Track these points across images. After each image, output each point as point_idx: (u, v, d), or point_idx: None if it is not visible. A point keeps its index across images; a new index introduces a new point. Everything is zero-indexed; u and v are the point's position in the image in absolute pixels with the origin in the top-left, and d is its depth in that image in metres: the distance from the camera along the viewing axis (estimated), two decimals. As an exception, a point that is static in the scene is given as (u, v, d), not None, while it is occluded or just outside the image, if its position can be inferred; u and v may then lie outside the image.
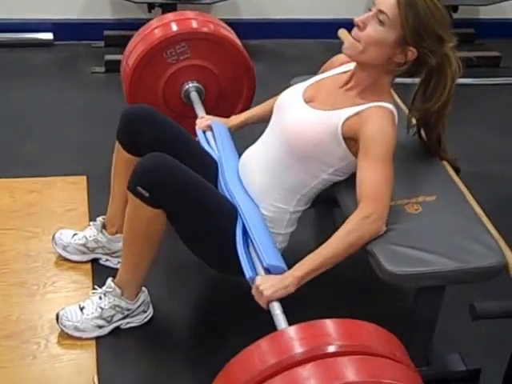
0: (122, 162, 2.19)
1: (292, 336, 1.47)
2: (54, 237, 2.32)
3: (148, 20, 3.60)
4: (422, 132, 2.06)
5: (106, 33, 3.75)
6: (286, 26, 4.02)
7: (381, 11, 1.79)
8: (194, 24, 2.69)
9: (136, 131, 2.11)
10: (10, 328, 2.08)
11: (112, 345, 2.04)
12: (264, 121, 2.28)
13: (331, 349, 1.40)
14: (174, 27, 2.66)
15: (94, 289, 2.13)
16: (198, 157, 2.15)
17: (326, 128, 1.86)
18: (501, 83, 3.78)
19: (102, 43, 3.75)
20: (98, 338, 2.04)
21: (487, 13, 4.20)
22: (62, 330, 2.04)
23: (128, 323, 2.08)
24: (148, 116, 2.14)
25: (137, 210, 1.90)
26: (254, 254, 1.84)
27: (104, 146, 2.91)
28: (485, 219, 1.90)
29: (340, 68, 2.04)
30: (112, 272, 2.20)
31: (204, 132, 2.30)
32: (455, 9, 3.91)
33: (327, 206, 2.29)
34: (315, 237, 2.49)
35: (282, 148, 1.94)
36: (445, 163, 2.09)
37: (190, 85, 2.66)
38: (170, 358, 2.03)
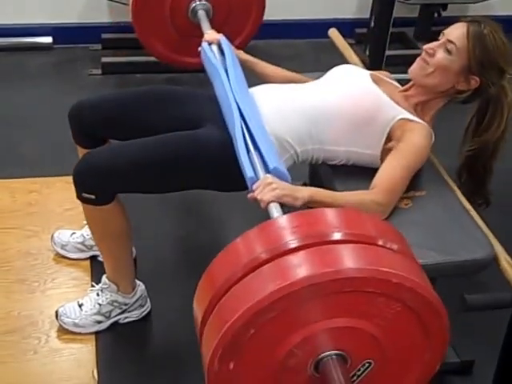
0: None
1: (284, 225, 1.39)
2: (52, 236, 2.37)
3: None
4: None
5: (104, 36, 3.80)
6: (277, 27, 4.06)
7: (450, 41, 1.90)
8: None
9: (79, 124, 2.12)
10: (11, 324, 2.12)
11: (111, 339, 2.09)
12: (265, 79, 2.24)
13: (326, 236, 1.34)
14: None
15: (92, 286, 2.18)
16: (152, 106, 2.10)
17: (385, 113, 1.93)
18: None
19: (99, 46, 3.80)
20: (97, 333, 2.09)
21: (476, 10, 4.26)
22: (62, 327, 2.08)
23: (126, 318, 2.12)
24: (84, 105, 2.13)
25: (91, 213, 1.96)
26: (255, 159, 1.76)
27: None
28: (473, 213, 1.95)
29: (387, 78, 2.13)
30: (110, 268, 2.27)
31: (210, 45, 2.25)
32: (445, 7, 3.96)
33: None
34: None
35: (337, 106, 1.94)
36: (434, 159, 2.14)
37: (198, 2, 2.66)
38: (168, 351, 2.08)
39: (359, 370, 1.42)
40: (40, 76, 3.56)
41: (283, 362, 1.35)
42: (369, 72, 2.10)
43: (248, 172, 1.73)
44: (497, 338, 2.07)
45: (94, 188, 1.89)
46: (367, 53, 3.12)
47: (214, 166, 1.91)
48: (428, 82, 1.96)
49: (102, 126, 2.08)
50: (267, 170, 1.73)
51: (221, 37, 2.28)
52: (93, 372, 1.97)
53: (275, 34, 3.98)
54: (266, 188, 1.65)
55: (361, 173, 1.99)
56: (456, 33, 1.92)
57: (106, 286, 2.07)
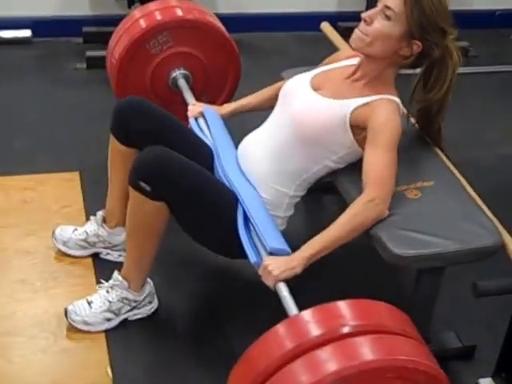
0: (117, 154, 2.22)
1: (308, 319, 1.52)
2: (53, 233, 2.34)
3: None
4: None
5: (85, 29, 3.75)
6: (261, 20, 4.07)
7: (387, 7, 1.87)
8: (174, 12, 2.69)
9: (128, 122, 2.14)
10: (16, 324, 2.09)
11: (121, 336, 2.08)
12: (257, 110, 2.36)
13: (347, 329, 1.47)
14: (154, 17, 2.65)
15: (99, 283, 2.16)
16: (191, 144, 2.19)
17: (335, 116, 1.92)
18: (470, 72, 3.88)
19: (80, 39, 3.75)
20: (106, 331, 2.07)
21: (455, 4, 4.30)
22: (71, 325, 2.06)
23: (135, 315, 2.11)
24: (139, 107, 2.17)
25: (139, 204, 1.94)
26: (256, 239, 1.89)
27: (93, 141, 2.95)
28: (480, 202, 1.98)
29: (345, 61, 2.10)
30: (113, 265, 2.24)
31: (196, 119, 2.33)
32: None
33: (316, 194, 2.35)
34: (305, 224, 2.57)
35: (290, 133, 1.98)
36: (438, 150, 2.16)
37: (177, 72, 2.68)
38: (179, 345, 2.08)
39: None
40: (22, 71, 3.51)
41: None
42: (310, 78, 2.07)
43: (251, 258, 1.85)
44: (497, 323, 2.13)
45: (155, 181, 1.88)
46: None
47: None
48: (369, 51, 1.92)
49: (147, 137, 2.08)
50: (265, 249, 1.84)
51: (204, 109, 2.34)
52: (106, 370, 1.96)
53: (258, 26, 3.99)
54: (265, 273, 1.78)
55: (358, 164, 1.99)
56: None
57: (117, 283, 2.05)
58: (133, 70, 2.66)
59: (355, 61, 2.05)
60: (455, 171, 2.09)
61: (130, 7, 3.59)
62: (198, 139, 2.23)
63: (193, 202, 1.93)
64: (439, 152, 2.16)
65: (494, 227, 1.88)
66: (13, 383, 1.92)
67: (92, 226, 2.31)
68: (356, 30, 1.94)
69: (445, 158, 2.14)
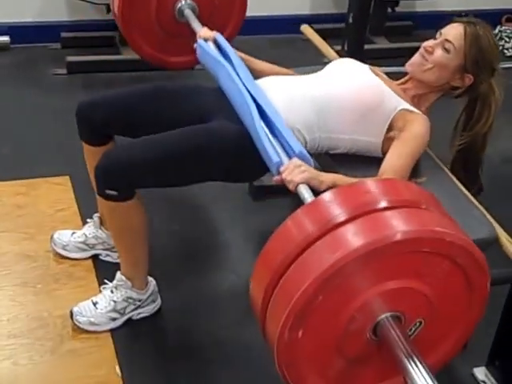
0: (92, 158, 2.21)
1: (332, 199, 1.44)
2: (52, 238, 2.36)
3: (107, 21, 3.68)
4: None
5: (63, 35, 3.76)
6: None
7: (447, 40, 2.02)
8: None
9: (88, 120, 2.16)
10: (21, 327, 2.12)
11: (126, 335, 2.12)
12: (260, 74, 2.26)
13: (378, 204, 1.41)
14: None
15: (101, 284, 2.20)
16: (162, 104, 2.14)
17: (388, 103, 2.02)
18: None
19: (58, 45, 3.76)
20: (112, 330, 2.11)
21: (423, 6, 4.45)
22: (77, 326, 2.09)
23: (139, 313, 2.15)
24: (92, 102, 2.18)
25: (113, 209, 1.99)
26: (276, 145, 1.83)
27: (79, 146, 2.93)
28: (471, 197, 2.08)
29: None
30: (113, 266, 2.28)
31: (206, 42, 2.28)
32: (397, 3, 4.12)
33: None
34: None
35: (341, 95, 2.02)
36: (429, 150, 2.25)
37: (183, 2, 2.70)
38: (184, 342, 2.13)
39: (411, 329, 1.50)
40: (1, 77, 3.49)
41: (345, 328, 1.42)
42: (367, 65, 2.19)
43: (273, 157, 1.80)
44: (487, 314, 2.21)
45: (117, 184, 1.92)
46: (345, 47, 3.21)
47: (231, 157, 1.96)
48: (425, 77, 2.07)
49: (112, 124, 2.11)
50: (290, 155, 1.81)
51: (216, 34, 2.32)
52: (116, 369, 1.99)
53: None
54: (296, 170, 1.73)
55: (362, 161, 2.08)
56: (454, 33, 2.04)
57: (121, 283, 2.09)
58: (138, 2, 2.65)
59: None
60: (445, 168, 2.19)
61: (108, 12, 3.62)
62: (168, 93, 2.18)
63: (178, 167, 1.94)
64: (427, 149, 2.25)
65: (487, 220, 1.97)
66: (21, 384, 1.95)
67: (90, 229, 2.35)
68: (417, 55, 2.08)
69: (433, 155, 2.23)
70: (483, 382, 2.09)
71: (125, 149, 1.98)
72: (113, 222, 2.03)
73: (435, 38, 2.07)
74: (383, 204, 1.41)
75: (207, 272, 2.40)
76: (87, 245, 2.34)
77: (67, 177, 2.76)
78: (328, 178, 1.78)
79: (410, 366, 1.37)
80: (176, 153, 1.93)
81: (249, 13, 4.15)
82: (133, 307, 2.13)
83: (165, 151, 1.92)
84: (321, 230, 1.37)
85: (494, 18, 4.48)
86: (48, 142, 3.00)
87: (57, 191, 2.68)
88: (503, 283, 1.94)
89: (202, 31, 2.36)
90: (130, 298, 2.11)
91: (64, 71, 3.54)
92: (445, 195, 2.05)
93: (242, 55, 2.29)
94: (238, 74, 2.06)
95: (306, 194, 1.68)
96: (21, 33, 3.71)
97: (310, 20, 4.02)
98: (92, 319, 2.09)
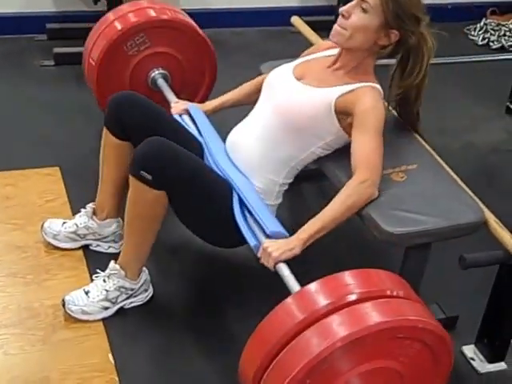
0: (110, 147, 2.25)
1: (315, 291, 1.61)
2: (42, 227, 2.35)
3: (93, 12, 3.66)
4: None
5: (49, 26, 3.73)
6: (226, 16, 4.13)
7: (363, 0, 1.95)
8: (149, 13, 2.74)
9: (124, 116, 2.19)
10: (12, 317, 2.11)
11: (119, 324, 2.11)
12: (238, 105, 2.42)
13: (355, 296, 1.57)
14: (129, 19, 2.70)
15: (92, 273, 2.19)
16: (184, 135, 2.24)
17: (320, 103, 2.00)
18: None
19: (44, 36, 3.74)
20: (104, 319, 2.10)
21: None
22: (69, 315, 2.09)
23: (131, 303, 2.15)
24: (134, 101, 2.22)
25: (140, 193, 1.98)
26: (253, 224, 1.96)
27: (69, 136, 2.97)
28: (461, 183, 2.09)
29: (325, 52, 2.19)
30: (104, 256, 2.30)
31: (181, 116, 2.37)
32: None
33: (314, 181, 2.48)
34: (289, 211, 2.64)
35: (277, 122, 2.05)
36: (416, 135, 2.27)
37: (156, 72, 2.74)
38: (175, 330, 2.13)
39: None
40: (-12, 69, 3.48)
41: None
42: (292, 68, 2.15)
43: (250, 241, 1.92)
44: (475, 295, 2.25)
45: (156, 170, 1.93)
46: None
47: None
48: (351, 44, 2.01)
49: (142, 131, 2.11)
50: (265, 232, 1.92)
51: (188, 106, 2.38)
52: (109, 357, 1.99)
53: (224, 22, 4.04)
54: (265, 256, 1.85)
55: (346, 150, 2.06)
56: None
57: (114, 272, 2.09)
58: (112, 72, 2.71)
59: (334, 51, 2.13)
60: (435, 155, 2.20)
61: (96, 3, 3.60)
62: (187, 131, 2.28)
63: (192, 190, 1.99)
64: (417, 136, 2.26)
65: (476, 205, 2.00)
66: (12, 374, 1.93)
67: (82, 219, 2.33)
68: (335, 26, 2.03)
69: (423, 142, 2.25)
70: (472, 358, 2.13)
71: (174, 145, 1.99)
72: (134, 206, 2.01)
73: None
74: (362, 296, 1.58)
75: (201, 262, 2.40)
76: (78, 235, 2.33)
77: (57, 168, 2.75)
78: (296, 242, 1.85)
79: None
80: (208, 184, 2.02)
81: (239, 5, 4.20)
82: (125, 296, 2.12)
83: (196, 170, 2.01)
84: (308, 320, 1.54)
85: (479, 10, 4.52)
86: (37, 133, 2.99)
87: (46, 182, 2.67)
88: (491, 265, 1.97)
89: (174, 108, 2.42)
90: (123, 287, 2.10)
91: (51, 63, 3.53)
92: (435, 181, 2.10)
93: (214, 105, 2.41)
94: (212, 155, 2.15)
95: (284, 272, 1.83)
96: (6, 24, 3.70)
97: (300, 12, 4.03)
98: (84, 308, 2.08)
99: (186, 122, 2.34)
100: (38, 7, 3.74)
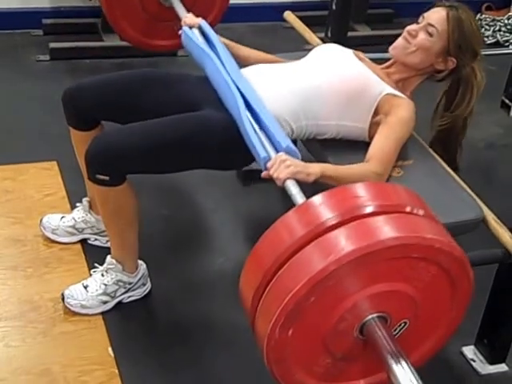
0: (80, 142, 2.22)
1: (321, 202, 1.46)
2: (41, 222, 2.36)
3: (89, 8, 3.68)
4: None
5: (45, 21, 3.73)
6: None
7: (430, 24, 2.05)
8: None
9: (77, 106, 2.16)
10: (13, 310, 2.12)
11: (117, 318, 2.13)
12: (244, 61, 2.31)
13: (368, 209, 1.42)
14: None
15: (91, 267, 2.21)
16: (151, 89, 2.14)
17: (373, 89, 2.05)
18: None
19: (40, 32, 3.74)
20: (103, 313, 2.12)
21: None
22: (69, 309, 2.10)
23: (130, 297, 2.17)
24: (82, 87, 2.18)
25: (104, 193, 2.00)
26: (264, 140, 1.84)
27: (66, 130, 2.92)
28: (458, 179, 2.12)
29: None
30: (102, 250, 2.30)
31: (191, 29, 2.28)
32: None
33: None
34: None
35: (326, 83, 2.04)
36: (414, 133, 2.28)
37: None
38: (174, 323, 2.15)
39: (396, 329, 1.54)
40: (-17, 63, 3.48)
41: (334, 327, 1.45)
42: (351, 50, 2.21)
43: (261, 152, 1.80)
44: (477, 293, 2.26)
45: (109, 169, 1.93)
46: (329, 34, 3.23)
47: (218, 146, 1.98)
48: (409, 61, 2.10)
49: (100, 109, 2.12)
50: (277, 148, 1.81)
51: (201, 21, 2.32)
52: (108, 351, 2.01)
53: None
54: (282, 165, 1.73)
55: (350, 146, 2.10)
56: (436, 17, 2.07)
57: (111, 266, 2.10)
58: None
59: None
60: (431, 151, 2.22)
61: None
62: (157, 77, 2.18)
63: (166, 155, 1.95)
64: (413, 133, 2.28)
65: (475, 202, 2.01)
66: (13, 366, 1.95)
67: (80, 213, 2.35)
68: (400, 39, 2.10)
69: (419, 138, 2.27)
70: (472, 359, 2.14)
71: (114, 134, 1.98)
72: (104, 206, 2.03)
73: (418, 23, 2.09)
74: (373, 209, 1.44)
75: (197, 255, 2.42)
76: (76, 229, 2.35)
77: (54, 162, 2.76)
78: (315, 169, 1.78)
79: (394, 365, 1.41)
80: (163, 141, 1.94)
81: (231, 0, 4.20)
82: (123, 290, 2.14)
83: (153, 139, 1.94)
84: (312, 233, 1.40)
85: (474, 6, 4.49)
86: (34, 128, 2.99)
87: (44, 176, 2.68)
88: (490, 263, 1.98)
89: (187, 18, 2.35)
90: (121, 281, 2.12)
91: (47, 57, 3.53)
92: (432, 177, 2.11)
93: (227, 42, 2.31)
94: (223, 64, 2.07)
95: (293, 189, 1.70)
96: (2, 19, 3.68)
97: (293, 7, 4.05)
98: (83, 302, 2.10)
99: (195, 35, 2.24)
100: (33, 3, 3.74)
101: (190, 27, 2.29)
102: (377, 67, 2.18)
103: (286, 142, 1.82)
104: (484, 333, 2.14)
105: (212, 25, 2.41)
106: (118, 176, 1.95)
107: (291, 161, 1.75)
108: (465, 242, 2.07)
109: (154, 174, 2.06)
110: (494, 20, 4.46)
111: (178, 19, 2.46)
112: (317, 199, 1.47)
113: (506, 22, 4.45)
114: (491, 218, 1.98)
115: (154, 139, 1.94)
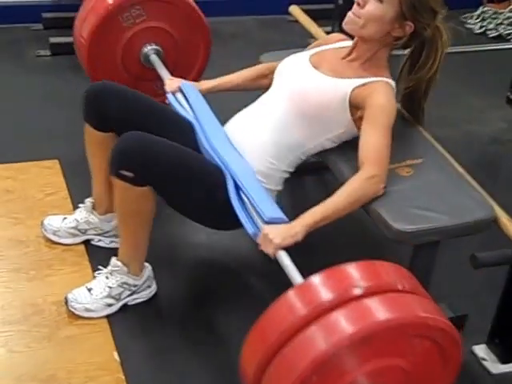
0: (94, 142, 2.21)
1: (318, 284, 1.52)
2: (42, 223, 2.32)
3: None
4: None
5: (45, 15, 3.69)
6: (221, 4, 4.08)
7: None
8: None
9: (102, 108, 2.13)
10: (16, 314, 2.08)
11: (123, 321, 2.09)
12: (235, 89, 2.35)
13: (361, 290, 1.49)
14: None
15: (94, 269, 2.17)
16: (171, 123, 2.17)
17: (337, 94, 1.98)
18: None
19: (40, 26, 3.69)
20: (108, 316, 2.08)
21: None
22: (73, 312, 2.06)
23: (135, 299, 2.13)
24: (110, 90, 2.16)
25: (124, 191, 1.94)
26: (251, 210, 1.88)
27: (66, 127, 2.94)
28: (468, 177, 2.08)
29: (336, 44, 2.16)
30: (106, 251, 2.28)
31: (174, 95, 2.30)
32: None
33: (315, 174, 2.44)
34: (289, 202, 2.63)
35: (291, 108, 2.02)
36: (420, 128, 2.25)
37: (149, 47, 2.66)
38: (179, 327, 2.11)
39: None
40: (-18, 58, 3.43)
41: None
42: (308, 56, 2.13)
43: (249, 229, 1.84)
44: (482, 293, 2.25)
45: (138, 165, 1.88)
46: (336, 30, 3.18)
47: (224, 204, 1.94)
48: (364, 34, 1.98)
49: (122, 121, 2.09)
50: (263, 220, 1.83)
51: (181, 83, 2.31)
52: (114, 355, 1.97)
53: (219, 11, 3.98)
54: (266, 242, 1.77)
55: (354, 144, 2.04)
56: None
57: (116, 269, 2.06)
58: (104, 45, 2.62)
59: (346, 43, 2.11)
60: (440, 148, 2.18)
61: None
62: (176, 117, 2.20)
63: (180, 182, 1.94)
64: (422, 130, 2.24)
65: (486, 202, 1.97)
66: (18, 372, 1.91)
67: (82, 214, 2.31)
68: (349, 13, 1.99)
69: (428, 136, 2.23)
70: (483, 359, 2.11)
71: (146, 135, 1.94)
72: (122, 205, 1.98)
73: None
74: (369, 289, 1.50)
75: (203, 256, 2.38)
76: (79, 230, 2.31)
77: (56, 160, 2.72)
78: (299, 228, 1.78)
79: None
80: (194, 170, 1.95)
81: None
82: (128, 293, 2.10)
83: (181, 161, 1.95)
84: (313, 314, 1.47)
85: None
86: (34, 125, 2.95)
87: (46, 175, 2.64)
88: (502, 264, 1.95)
89: (168, 85, 2.35)
90: (126, 283, 2.08)
91: (47, 52, 3.49)
92: (442, 177, 2.07)
93: (211, 85, 2.33)
94: (206, 136, 2.08)
95: (284, 261, 1.75)
96: (1, 13, 3.64)
97: (300, 0, 4.01)
98: (87, 306, 2.06)
99: (179, 101, 2.26)
100: (33, -4, 3.70)
101: (173, 93, 2.30)
102: (338, 61, 2.08)
103: (267, 215, 1.82)
104: (495, 332, 2.11)
105: (194, 80, 2.51)
106: (141, 176, 1.90)
107: (274, 233, 1.77)
108: (474, 239, 2.06)
109: (168, 198, 1.99)
110: (495, 13, 4.42)
111: (159, 79, 2.50)
112: (315, 280, 1.54)
113: (508, 14, 4.40)
114: (504, 217, 1.94)
115: (182, 161, 1.95)
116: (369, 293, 1.49)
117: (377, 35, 1.98)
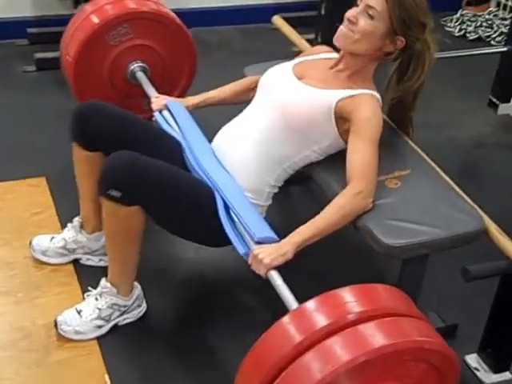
0: (83, 161, 2.19)
1: (313, 309, 1.52)
2: (31, 244, 2.30)
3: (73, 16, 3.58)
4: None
5: (30, 30, 3.66)
6: (204, 14, 4.08)
7: (369, 6, 1.92)
8: (133, 4, 2.67)
9: (90, 128, 2.11)
10: (3, 338, 2.06)
11: (113, 342, 2.07)
12: (221, 103, 2.35)
13: (355, 316, 1.49)
14: (112, 9, 2.63)
15: (84, 289, 2.15)
16: (158, 142, 2.16)
17: (321, 105, 1.96)
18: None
19: (25, 41, 3.67)
20: (98, 338, 2.06)
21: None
22: (62, 335, 2.04)
23: (125, 319, 2.11)
24: (98, 111, 2.14)
25: (113, 211, 1.92)
26: (241, 229, 1.87)
27: (54, 144, 2.91)
28: (457, 188, 2.06)
29: (321, 55, 2.15)
30: (95, 270, 2.26)
31: (161, 112, 2.29)
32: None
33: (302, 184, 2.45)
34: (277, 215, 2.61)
35: (275, 121, 2.00)
36: (407, 139, 2.24)
37: (135, 65, 2.67)
38: (170, 346, 2.09)
39: None
40: (-32, 75, 3.40)
41: None
42: (291, 66, 2.12)
43: (240, 250, 1.84)
44: (471, 303, 2.23)
45: (125, 187, 1.86)
46: (319, 39, 3.17)
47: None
48: (355, 49, 1.98)
49: (110, 140, 2.08)
50: (253, 239, 1.83)
51: (167, 101, 2.31)
52: (104, 377, 1.95)
53: (202, 21, 3.98)
54: (256, 262, 1.78)
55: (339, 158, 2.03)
56: None
57: (106, 290, 2.04)
58: (90, 63, 2.62)
59: (331, 55, 2.10)
60: (427, 158, 2.16)
61: (76, 7, 3.53)
62: (164, 136, 2.19)
63: (169, 201, 1.92)
64: (408, 140, 2.23)
65: (476, 213, 1.96)
66: (8, 400, 1.89)
67: (70, 233, 2.29)
68: (342, 28, 1.99)
69: (415, 146, 2.21)
70: (476, 368, 2.10)
71: (135, 154, 1.92)
72: (110, 225, 1.96)
73: (357, 5, 1.97)
74: (364, 314, 1.49)
75: (193, 273, 2.36)
76: (67, 249, 2.28)
77: (43, 178, 2.69)
78: (289, 246, 1.78)
79: None
80: (184, 191, 1.95)
81: (218, 3, 4.13)
82: (118, 313, 2.08)
83: (174, 182, 1.94)
84: (308, 341, 1.46)
85: (455, 1, 4.51)
86: (20, 142, 2.93)
87: (32, 193, 2.61)
88: (495, 275, 1.93)
89: (154, 104, 2.33)
90: (115, 304, 2.06)
91: (33, 68, 3.46)
92: (430, 188, 2.06)
93: (197, 101, 2.33)
94: (194, 155, 2.07)
95: (275, 280, 1.75)
96: (-15, 29, 3.62)
97: (278, 9, 3.98)
98: (77, 328, 2.04)
99: (166, 118, 2.25)
100: (17, 12, 3.66)
101: (160, 111, 2.29)
102: (324, 72, 2.07)
103: (258, 235, 1.82)
104: (488, 341, 2.10)
105: (179, 97, 2.52)
106: (130, 195, 1.87)
107: (264, 253, 1.77)
108: (463, 248, 2.04)
109: (156, 217, 1.97)
110: (474, 15, 4.43)
111: (146, 96, 2.49)
112: (310, 305, 1.54)
113: (486, 17, 4.41)
114: (493, 228, 1.93)
115: (172, 180, 1.94)
116: (363, 318, 1.49)
117: (367, 51, 1.98)
